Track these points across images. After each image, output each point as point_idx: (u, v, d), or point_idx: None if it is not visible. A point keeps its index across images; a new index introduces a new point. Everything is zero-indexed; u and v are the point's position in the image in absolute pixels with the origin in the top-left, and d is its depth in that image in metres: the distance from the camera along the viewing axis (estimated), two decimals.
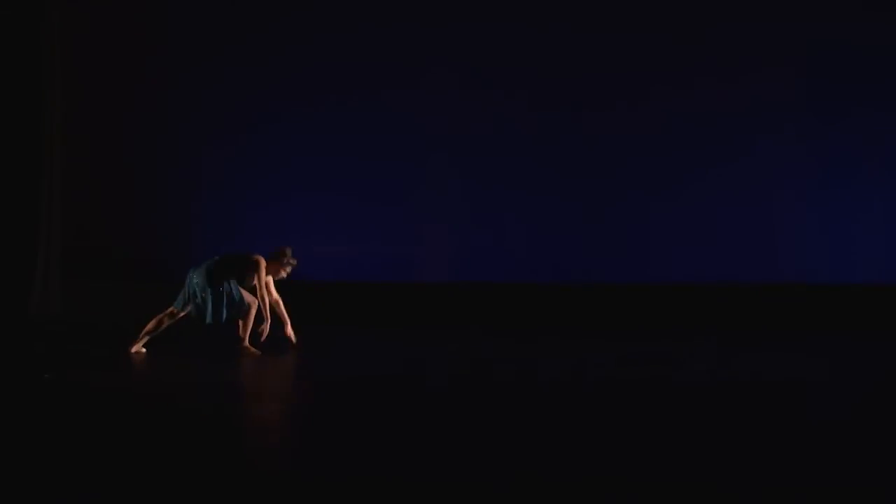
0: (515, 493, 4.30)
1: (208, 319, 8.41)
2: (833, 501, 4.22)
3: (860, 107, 11.52)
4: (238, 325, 8.56)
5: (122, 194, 12.14)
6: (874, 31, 11.49)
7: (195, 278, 8.43)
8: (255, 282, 8.42)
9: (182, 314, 8.55)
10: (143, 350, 8.61)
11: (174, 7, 12.20)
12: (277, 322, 8.67)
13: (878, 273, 11.51)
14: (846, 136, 11.56)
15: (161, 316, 8.58)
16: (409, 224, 11.98)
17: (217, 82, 12.04)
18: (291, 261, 8.64)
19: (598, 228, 11.74)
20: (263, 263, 8.48)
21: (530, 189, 11.79)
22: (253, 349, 8.50)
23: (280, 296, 8.73)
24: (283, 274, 8.65)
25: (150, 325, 8.59)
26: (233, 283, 8.42)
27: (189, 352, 9.09)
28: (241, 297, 8.45)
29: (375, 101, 11.87)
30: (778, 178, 11.66)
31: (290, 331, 8.74)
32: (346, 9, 11.95)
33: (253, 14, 12.03)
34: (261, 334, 8.45)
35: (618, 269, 11.71)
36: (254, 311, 8.53)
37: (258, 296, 8.41)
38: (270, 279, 8.63)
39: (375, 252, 11.83)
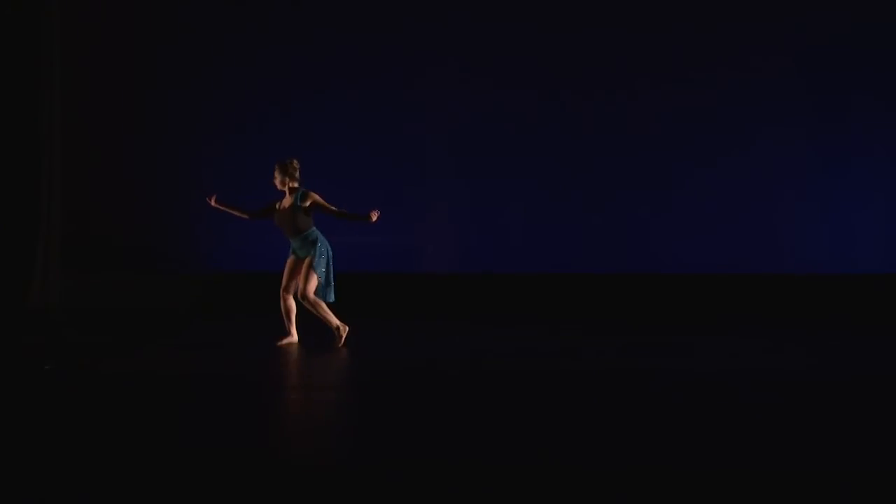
0: (516, 480, 4.30)
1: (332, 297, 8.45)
2: (829, 490, 4.22)
3: (861, 98, 11.53)
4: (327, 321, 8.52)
5: (121, 184, 12.10)
6: (874, 23, 11.49)
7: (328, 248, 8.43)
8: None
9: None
10: (295, 340, 8.52)
11: (175, 1, 12.16)
12: None
13: (879, 263, 11.53)
14: (847, 127, 11.57)
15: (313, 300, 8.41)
16: (411, 216, 11.95)
17: (218, 74, 11.99)
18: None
19: (599, 220, 11.73)
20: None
21: (532, 180, 11.78)
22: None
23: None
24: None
25: (321, 313, 8.42)
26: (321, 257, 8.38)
27: (196, 343, 9.09)
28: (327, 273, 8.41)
29: (376, 95, 11.83)
30: (779, 169, 11.66)
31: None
32: (347, 6, 11.91)
33: (254, 10, 11.99)
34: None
35: (620, 260, 11.71)
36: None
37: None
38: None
39: (377, 243, 11.80)
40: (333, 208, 8.49)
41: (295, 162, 8.59)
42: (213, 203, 8.78)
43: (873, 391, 6.73)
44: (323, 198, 8.49)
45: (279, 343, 8.45)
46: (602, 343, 9.17)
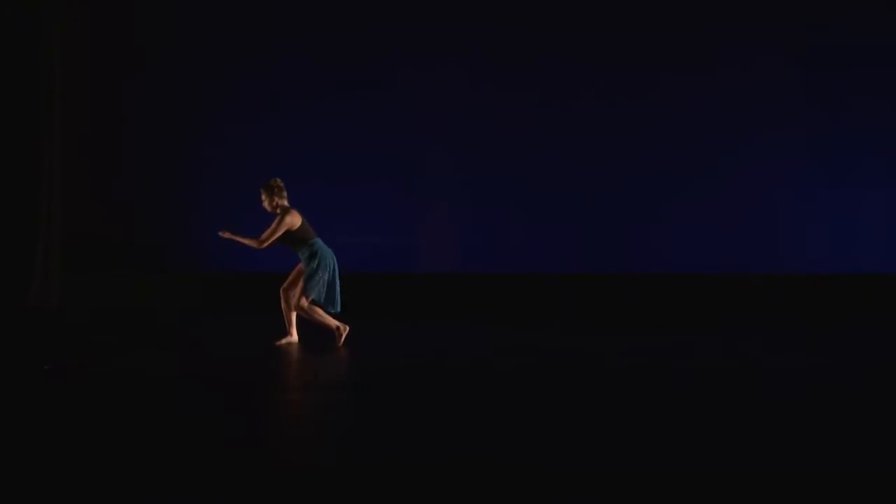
0: (516, 480, 4.30)
1: (338, 307, 8.43)
2: (829, 490, 4.22)
3: (861, 98, 11.54)
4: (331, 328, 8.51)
5: (121, 184, 12.12)
6: (874, 22, 11.50)
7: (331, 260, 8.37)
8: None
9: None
10: (295, 339, 8.54)
11: (176, 1, 12.17)
12: None
13: (879, 263, 11.54)
14: (847, 126, 11.57)
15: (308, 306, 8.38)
16: (411, 216, 11.96)
17: (219, 73, 12.02)
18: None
19: (600, 220, 11.75)
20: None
21: (532, 180, 11.79)
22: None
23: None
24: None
25: (316, 318, 8.41)
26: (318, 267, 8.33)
27: (196, 343, 9.07)
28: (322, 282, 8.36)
29: (376, 95, 11.85)
30: (779, 169, 11.67)
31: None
32: (347, 5, 11.92)
33: (255, 9, 11.99)
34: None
35: (620, 260, 11.72)
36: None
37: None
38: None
39: (377, 243, 11.81)
40: (261, 239, 8.28)
41: (278, 181, 8.44)
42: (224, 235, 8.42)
43: (874, 391, 6.73)
44: (276, 227, 8.24)
45: (278, 343, 8.45)
46: (602, 343, 9.16)
